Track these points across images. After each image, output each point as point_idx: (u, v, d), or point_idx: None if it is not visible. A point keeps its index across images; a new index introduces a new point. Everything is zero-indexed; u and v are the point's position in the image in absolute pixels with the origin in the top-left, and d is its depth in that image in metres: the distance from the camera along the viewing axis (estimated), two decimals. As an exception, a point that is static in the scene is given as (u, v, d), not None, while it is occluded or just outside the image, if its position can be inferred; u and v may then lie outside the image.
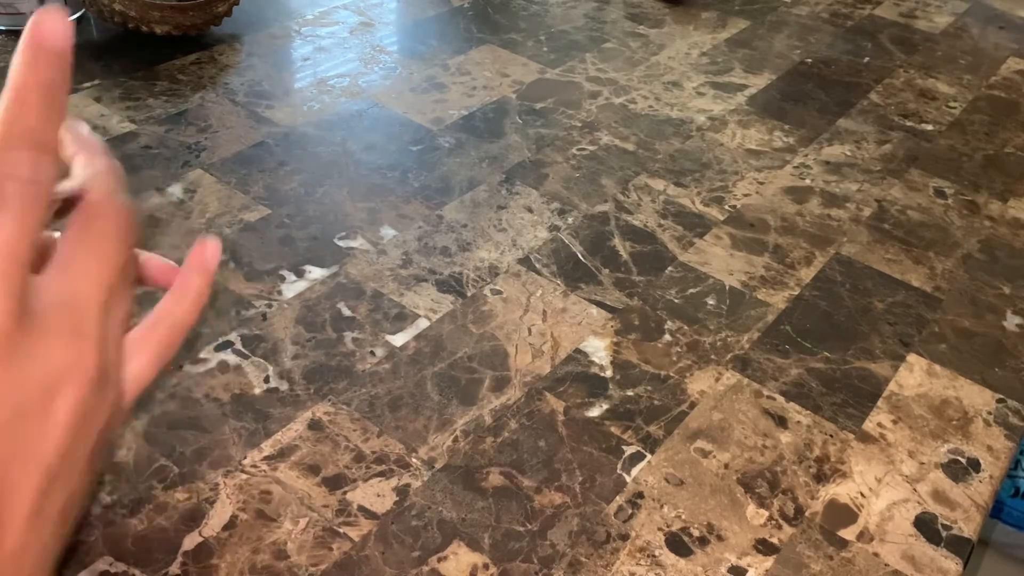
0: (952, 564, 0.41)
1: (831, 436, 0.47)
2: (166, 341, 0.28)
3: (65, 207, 0.26)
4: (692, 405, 0.48)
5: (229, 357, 0.49)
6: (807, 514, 0.43)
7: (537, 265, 0.57)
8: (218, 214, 0.59)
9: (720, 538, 0.42)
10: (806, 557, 0.41)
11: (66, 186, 0.25)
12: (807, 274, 0.58)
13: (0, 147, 0.21)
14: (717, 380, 0.50)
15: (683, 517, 0.42)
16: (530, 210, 0.62)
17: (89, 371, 0.24)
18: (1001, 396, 0.51)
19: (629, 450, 0.45)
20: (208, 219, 0.58)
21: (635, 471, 0.44)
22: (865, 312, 0.56)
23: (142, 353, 0.28)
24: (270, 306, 0.52)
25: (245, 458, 0.43)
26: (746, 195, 0.66)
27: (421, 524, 0.41)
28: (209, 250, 0.30)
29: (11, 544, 0.22)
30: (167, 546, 0.39)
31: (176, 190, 0.61)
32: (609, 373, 0.50)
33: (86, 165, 0.27)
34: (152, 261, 0.32)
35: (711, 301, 0.55)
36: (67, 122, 0.26)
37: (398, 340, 0.51)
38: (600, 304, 0.54)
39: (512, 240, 0.59)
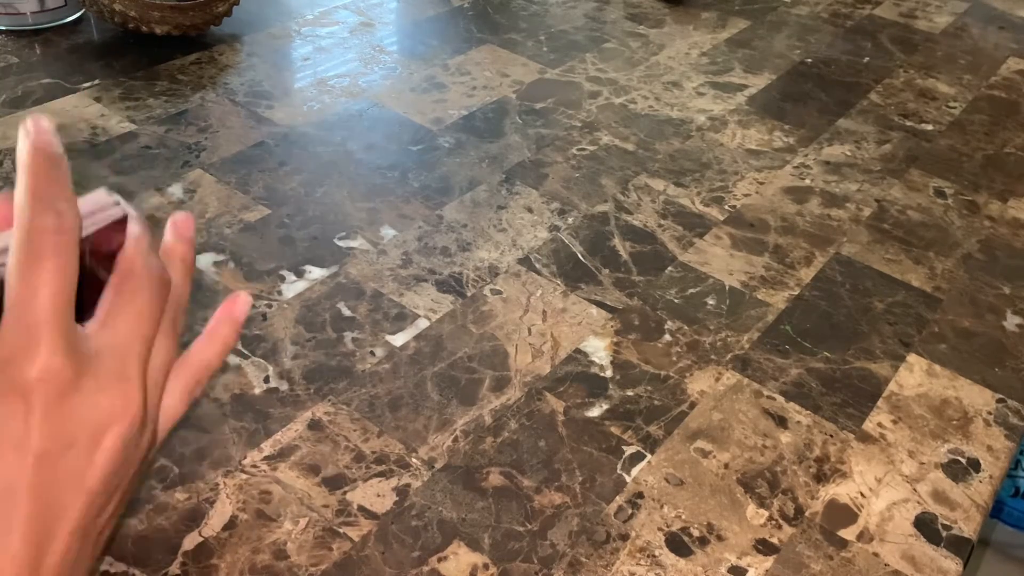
0: (952, 564, 0.41)
1: (831, 436, 0.47)
2: (195, 380, 0.32)
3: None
4: (692, 405, 0.48)
5: (229, 357, 0.49)
6: (807, 514, 0.43)
7: (537, 265, 0.57)
8: (218, 214, 0.59)
9: (720, 538, 0.42)
10: (806, 557, 0.41)
11: (90, 222, 0.28)
12: (807, 274, 0.58)
13: (32, 212, 0.25)
14: (717, 380, 0.50)
15: (683, 517, 0.42)
16: (530, 210, 0.62)
17: (133, 412, 0.27)
18: (1001, 396, 0.51)
19: (629, 450, 0.45)
20: (208, 219, 0.58)
21: (635, 471, 0.44)
22: (865, 312, 0.56)
23: (175, 389, 0.31)
24: (270, 306, 0.52)
25: (245, 458, 0.43)
26: (746, 195, 0.66)
27: (421, 524, 0.41)
28: (240, 303, 0.33)
29: (56, 557, 0.25)
30: (167, 546, 0.39)
31: (176, 190, 0.61)
32: (609, 373, 0.50)
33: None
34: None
35: (711, 301, 0.55)
36: (99, 192, 0.30)
37: (398, 340, 0.51)
38: (600, 304, 0.54)
39: (512, 240, 0.59)
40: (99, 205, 0.29)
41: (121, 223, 0.28)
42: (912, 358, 0.53)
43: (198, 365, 0.32)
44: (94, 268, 0.28)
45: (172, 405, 0.31)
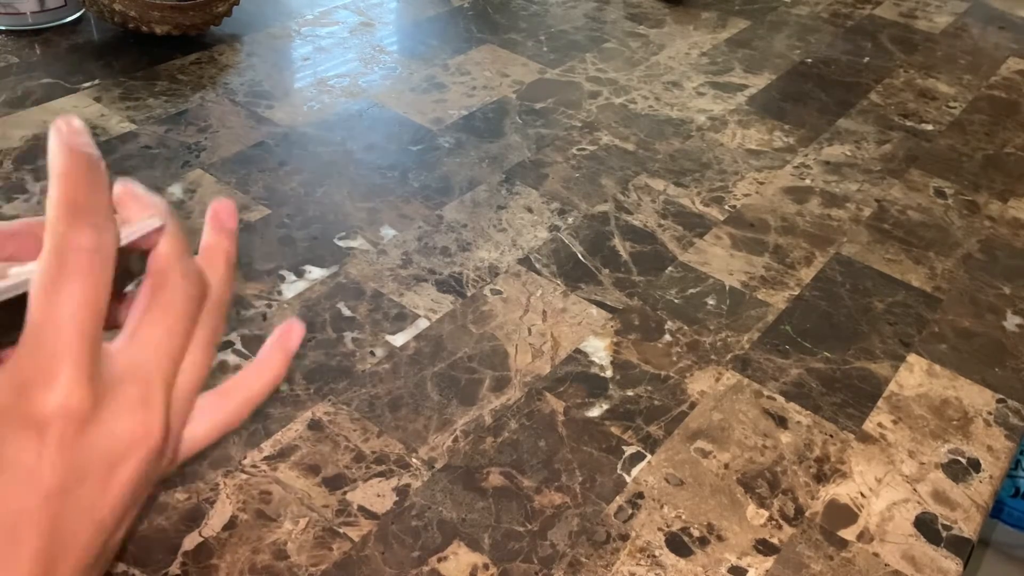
0: (952, 564, 0.41)
1: (831, 436, 0.47)
2: (235, 412, 0.29)
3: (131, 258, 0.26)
4: (692, 405, 0.48)
5: (229, 357, 0.49)
6: (807, 514, 0.43)
7: (537, 265, 0.57)
8: (218, 214, 0.59)
9: (720, 538, 0.42)
10: (806, 557, 0.41)
11: (126, 233, 0.26)
12: (807, 274, 0.58)
13: (67, 225, 0.23)
14: (717, 380, 0.50)
15: (683, 517, 0.42)
16: (530, 210, 0.62)
17: (152, 442, 0.25)
18: (1001, 396, 0.51)
19: (629, 450, 0.45)
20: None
21: (635, 471, 0.44)
22: (865, 312, 0.56)
23: (209, 418, 0.29)
24: (270, 306, 0.52)
25: (245, 458, 0.43)
26: (746, 195, 0.66)
27: (421, 524, 0.41)
28: (295, 332, 0.30)
29: None
30: (167, 546, 0.39)
31: (176, 190, 0.61)
32: (609, 373, 0.50)
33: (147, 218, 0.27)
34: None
35: (711, 301, 0.55)
36: (124, 184, 0.27)
37: (398, 340, 0.51)
38: (600, 304, 0.54)
39: (512, 240, 0.59)
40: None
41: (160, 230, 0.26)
42: (912, 358, 0.53)
43: (243, 397, 0.29)
44: (129, 270, 0.26)
45: (202, 434, 0.28)
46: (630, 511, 0.42)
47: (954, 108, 0.80)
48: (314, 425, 0.45)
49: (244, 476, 0.42)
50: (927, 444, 0.47)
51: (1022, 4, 1.03)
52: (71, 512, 0.24)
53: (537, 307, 0.54)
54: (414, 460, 0.44)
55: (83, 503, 0.24)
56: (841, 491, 0.44)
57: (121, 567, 0.38)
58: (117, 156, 0.64)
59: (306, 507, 0.41)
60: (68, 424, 0.23)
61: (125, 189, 0.27)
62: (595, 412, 0.47)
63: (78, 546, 0.24)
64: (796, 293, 0.57)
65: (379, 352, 0.50)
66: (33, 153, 0.63)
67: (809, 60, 0.87)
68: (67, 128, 0.23)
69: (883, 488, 0.45)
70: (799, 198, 0.66)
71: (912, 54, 0.90)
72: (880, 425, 0.48)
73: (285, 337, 0.30)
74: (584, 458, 0.45)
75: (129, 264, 0.26)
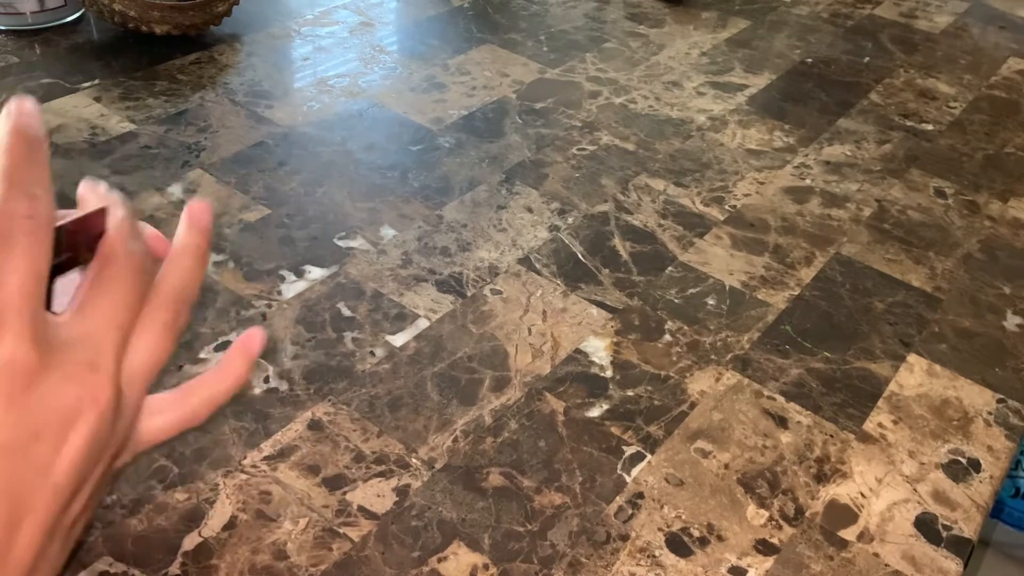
0: (952, 564, 0.41)
1: (831, 436, 0.47)
2: (195, 411, 0.31)
3: (76, 246, 0.27)
4: (692, 405, 0.48)
5: (229, 357, 0.49)
6: (807, 514, 0.43)
7: (537, 265, 0.57)
8: (218, 214, 0.59)
9: (720, 538, 0.41)
10: (806, 557, 0.41)
11: (68, 215, 0.27)
12: (807, 274, 0.58)
13: (5, 195, 0.24)
14: (717, 380, 0.50)
15: (683, 517, 0.42)
16: (530, 210, 0.62)
17: (102, 404, 0.26)
18: (1001, 396, 0.51)
19: (629, 450, 0.45)
20: (208, 219, 0.58)
21: (635, 471, 0.44)
22: (865, 312, 0.56)
23: (170, 413, 0.30)
24: (270, 306, 0.52)
25: (245, 458, 0.43)
26: (746, 195, 0.66)
27: (421, 524, 0.41)
28: (256, 339, 0.32)
29: (22, 552, 0.24)
30: (167, 546, 0.39)
31: (176, 190, 0.61)
32: (609, 373, 0.50)
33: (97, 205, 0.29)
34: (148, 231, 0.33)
35: (711, 301, 0.55)
36: (86, 181, 0.29)
37: (398, 340, 0.51)
38: (600, 304, 0.54)
39: (512, 240, 0.59)
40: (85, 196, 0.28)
41: (105, 211, 0.27)
42: (912, 358, 0.53)
43: (204, 397, 0.31)
44: (77, 253, 0.27)
45: (163, 426, 0.30)
46: (630, 511, 0.42)
47: (954, 108, 0.80)
48: (314, 425, 0.45)
49: (244, 476, 0.42)
50: (927, 444, 0.47)
51: (1022, 4, 1.03)
52: (26, 471, 0.24)
53: (537, 307, 0.54)
54: (414, 460, 0.44)
55: (37, 464, 0.24)
56: (841, 491, 0.44)
57: (121, 567, 0.38)
58: (117, 156, 0.64)
59: (306, 507, 0.41)
60: (15, 379, 0.23)
61: (87, 186, 0.29)
62: (595, 412, 0.47)
63: (35, 510, 0.24)
64: (796, 293, 0.57)
65: (379, 352, 0.50)
66: (33, 153, 0.63)
67: (809, 60, 0.87)
68: (17, 109, 0.25)
69: (883, 488, 0.44)
70: (799, 198, 0.66)
71: (912, 54, 0.90)
72: (880, 425, 0.48)
73: (247, 342, 0.31)
74: (584, 458, 0.45)
75: (81, 258, 0.27)
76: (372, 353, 0.50)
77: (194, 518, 0.40)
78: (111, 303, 0.26)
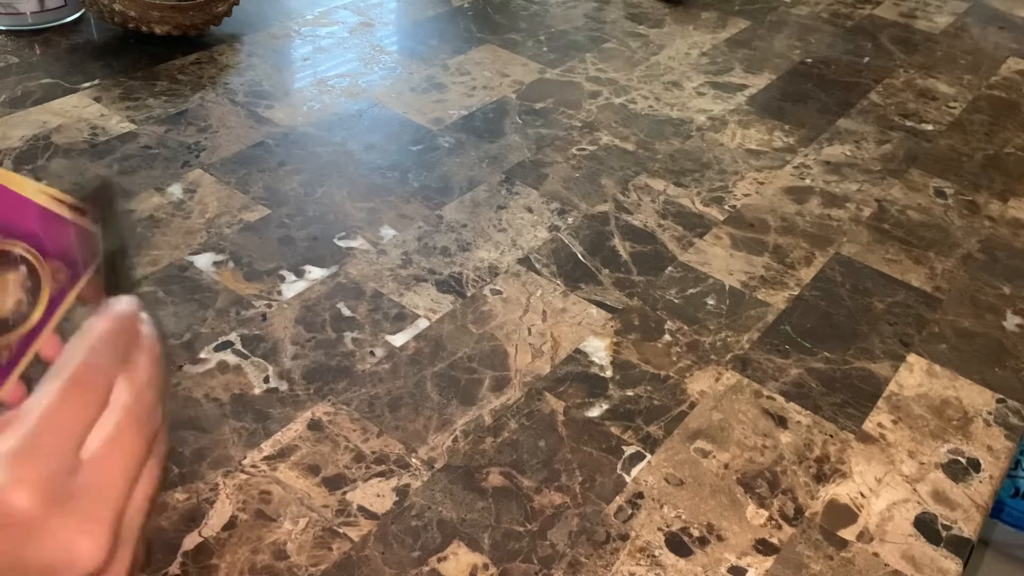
0: (952, 564, 0.41)
1: (831, 436, 0.47)
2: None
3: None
4: (692, 405, 0.48)
5: (229, 357, 0.49)
6: (807, 514, 0.43)
7: (537, 265, 0.57)
8: (218, 214, 0.59)
9: (720, 538, 0.41)
10: (806, 557, 0.41)
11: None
12: (807, 274, 0.58)
13: (95, 353, 0.25)
14: (717, 380, 0.50)
15: (683, 517, 0.42)
16: (530, 210, 0.62)
17: (94, 564, 0.25)
18: (1001, 396, 0.51)
19: (629, 450, 0.45)
20: (208, 219, 0.58)
21: (635, 471, 0.44)
22: (865, 312, 0.56)
23: None
24: (270, 306, 0.52)
25: (245, 458, 0.43)
26: (746, 195, 0.66)
27: (421, 524, 0.41)
28: None
29: None
30: (167, 546, 0.39)
31: (176, 190, 0.61)
32: (609, 373, 0.50)
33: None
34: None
35: (711, 301, 0.55)
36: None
37: (398, 340, 0.51)
38: (600, 304, 0.54)
39: (512, 240, 0.59)
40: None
41: (70, 221, 0.27)
42: (912, 358, 0.53)
43: None
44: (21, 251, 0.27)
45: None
46: (630, 511, 0.42)
47: (954, 108, 0.80)
48: (314, 425, 0.45)
49: (244, 476, 0.42)
50: (927, 444, 0.47)
51: (1022, 4, 1.03)
52: None
53: (537, 307, 0.54)
54: (414, 460, 0.44)
55: None
56: (841, 491, 0.44)
57: (121, 567, 0.38)
58: (117, 156, 0.64)
59: (306, 507, 0.41)
60: (17, 530, 0.24)
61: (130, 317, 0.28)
62: (595, 412, 0.47)
63: None
64: (796, 293, 0.57)
65: (379, 352, 0.50)
66: (33, 153, 0.63)
67: (809, 60, 0.87)
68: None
69: (883, 488, 0.45)
70: (799, 198, 0.66)
71: (912, 54, 0.90)
72: (880, 425, 0.48)
73: None
74: (584, 458, 0.45)
75: (14, 253, 0.27)
76: (372, 353, 0.50)
77: (194, 518, 0.40)
78: (124, 455, 0.26)
